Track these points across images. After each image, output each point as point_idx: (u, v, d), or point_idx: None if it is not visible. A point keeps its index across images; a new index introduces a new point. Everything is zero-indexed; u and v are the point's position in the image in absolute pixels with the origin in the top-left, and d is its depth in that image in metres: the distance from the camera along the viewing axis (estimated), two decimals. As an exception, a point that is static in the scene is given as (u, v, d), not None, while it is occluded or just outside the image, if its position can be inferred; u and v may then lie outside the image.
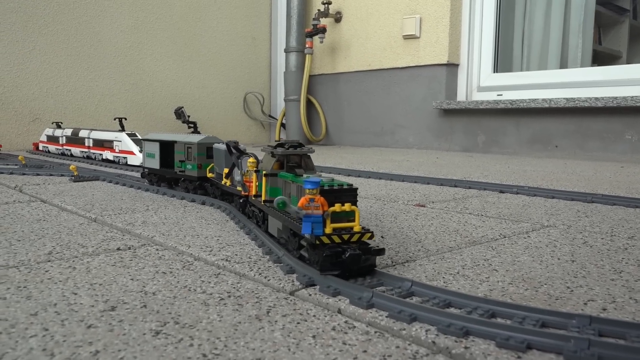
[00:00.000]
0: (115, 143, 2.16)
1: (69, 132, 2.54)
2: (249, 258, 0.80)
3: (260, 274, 0.72)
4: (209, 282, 0.69)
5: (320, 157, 2.82)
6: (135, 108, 3.57)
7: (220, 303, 0.61)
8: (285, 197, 0.66)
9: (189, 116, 3.51)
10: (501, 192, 1.56)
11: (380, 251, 0.68)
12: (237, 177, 1.07)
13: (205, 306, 0.60)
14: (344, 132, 3.87)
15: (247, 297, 0.63)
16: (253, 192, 0.92)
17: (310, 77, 3.94)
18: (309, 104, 3.96)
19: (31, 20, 3.18)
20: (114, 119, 2.43)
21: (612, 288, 0.67)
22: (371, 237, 0.68)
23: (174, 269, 0.75)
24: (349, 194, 0.70)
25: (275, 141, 0.81)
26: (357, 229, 0.68)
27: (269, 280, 0.70)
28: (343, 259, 0.65)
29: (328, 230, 0.66)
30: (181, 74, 3.76)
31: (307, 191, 0.65)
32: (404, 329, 0.54)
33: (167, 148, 1.44)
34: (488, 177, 1.86)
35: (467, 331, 0.52)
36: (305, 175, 0.74)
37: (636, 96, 2.52)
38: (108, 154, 2.22)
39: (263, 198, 0.85)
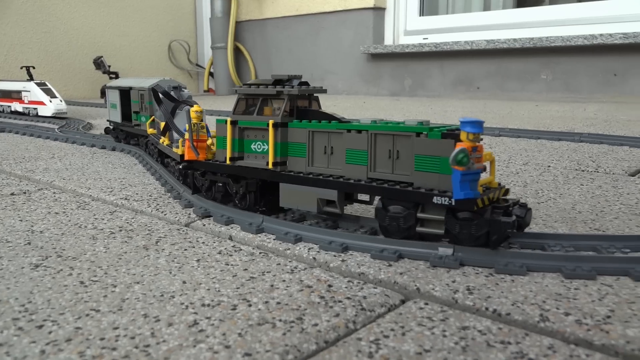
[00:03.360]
0: (23, 93, 2.04)
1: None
2: (150, 196, 0.79)
3: (157, 209, 0.72)
4: (102, 219, 0.68)
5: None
6: (50, 58, 3.36)
7: (109, 237, 0.61)
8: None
9: (109, 66, 3.35)
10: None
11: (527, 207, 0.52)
12: (176, 135, 0.85)
13: (92, 240, 0.60)
14: (274, 79, 3.82)
15: (139, 230, 0.63)
16: (209, 156, 0.70)
17: (237, 23, 3.83)
18: (237, 51, 3.86)
19: None
20: (21, 68, 2.28)
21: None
22: (507, 193, 0.54)
23: (67, 210, 0.73)
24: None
25: (247, 83, 0.65)
26: (494, 184, 0.52)
27: (165, 214, 0.69)
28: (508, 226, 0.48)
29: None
30: (99, 21, 3.55)
31: (467, 137, 0.47)
32: (289, 249, 0.56)
33: (127, 96, 1.19)
34: (408, 116, 1.90)
35: (346, 247, 0.54)
36: (412, 121, 0.54)
37: (551, 36, 2.61)
38: (17, 106, 2.10)
39: (272, 159, 0.61)
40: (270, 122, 0.60)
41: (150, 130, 1.00)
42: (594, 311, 0.40)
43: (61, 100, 2.02)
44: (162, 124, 0.89)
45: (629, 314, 0.40)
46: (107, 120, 1.33)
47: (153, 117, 1.02)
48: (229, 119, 0.64)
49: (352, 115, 2.03)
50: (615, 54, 2.48)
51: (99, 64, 3.28)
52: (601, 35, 2.44)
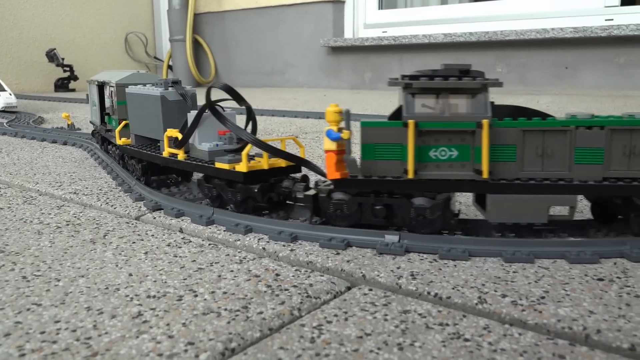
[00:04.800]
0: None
1: None
2: (100, 190, 0.77)
3: (107, 203, 0.70)
4: (49, 214, 0.66)
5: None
6: None
7: (55, 231, 0.59)
8: None
9: (63, 59, 3.25)
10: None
11: None
12: (204, 145, 0.64)
13: (38, 235, 0.58)
14: (234, 73, 3.78)
15: (87, 224, 0.62)
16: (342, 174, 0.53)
17: (196, 15, 3.77)
18: (196, 44, 3.81)
19: None
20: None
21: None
22: None
23: (13, 205, 0.71)
24: None
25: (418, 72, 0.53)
26: None
27: (115, 208, 0.68)
28: None
29: None
30: (51, 12, 3.44)
31: None
32: (239, 240, 0.56)
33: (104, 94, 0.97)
34: (367, 110, 1.92)
35: (296, 237, 0.55)
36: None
37: (505, 30, 2.68)
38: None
39: (486, 167, 0.50)
40: (485, 121, 0.49)
41: (122, 141, 0.78)
42: (529, 292, 0.42)
43: (11, 94, 1.96)
44: (175, 133, 0.66)
45: (562, 295, 0.42)
46: (90, 122, 1.11)
47: (125, 121, 0.80)
48: (411, 122, 0.50)
49: (312, 108, 2.03)
50: (566, 47, 2.55)
51: (51, 56, 3.18)
52: (553, 29, 2.51)
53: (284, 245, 0.53)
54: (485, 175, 0.50)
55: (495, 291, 0.42)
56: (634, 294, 0.42)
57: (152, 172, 0.75)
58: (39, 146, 1.19)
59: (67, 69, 3.27)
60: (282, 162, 0.61)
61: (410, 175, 0.51)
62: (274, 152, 0.59)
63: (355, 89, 3.31)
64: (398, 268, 0.47)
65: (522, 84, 2.73)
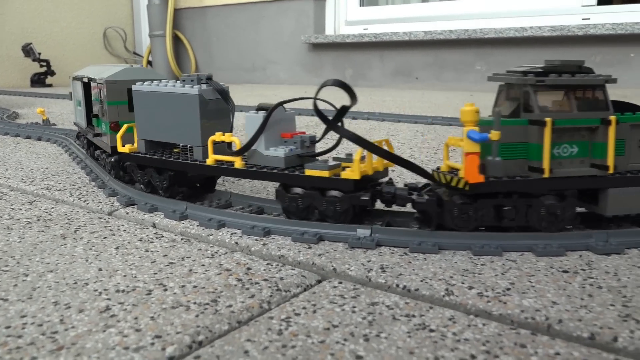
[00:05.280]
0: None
1: None
2: (73, 185, 0.77)
3: (80, 198, 0.70)
4: (20, 210, 0.65)
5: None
6: (-25, 45, 3.18)
7: (25, 227, 0.59)
8: None
9: (39, 53, 3.20)
10: (354, 118, 1.63)
11: None
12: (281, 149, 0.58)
13: (7, 230, 0.57)
14: (214, 69, 3.76)
15: (58, 220, 0.61)
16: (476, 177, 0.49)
17: (176, 10, 3.74)
18: (177, 40, 3.78)
19: None
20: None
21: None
22: None
23: (-17, 200, 0.70)
24: None
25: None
26: None
27: (87, 203, 0.68)
28: None
29: None
30: (27, 6, 3.38)
31: None
32: (212, 235, 0.56)
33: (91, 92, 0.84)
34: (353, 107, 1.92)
35: (269, 231, 0.55)
36: None
37: (484, 28, 2.70)
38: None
39: (612, 167, 0.51)
40: (613, 117, 0.50)
41: (127, 147, 0.67)
42: (495, 284, 0.43)
43: (-15, 89, 1.92)
44: (232, 137, 0.59)
45: (527, 286, 0.43)
46: (74, 124, 0.99)
47: (127, 124, 0.69)
48: (549, 120, 0.49)
49: (296, 104, 2.03)
50: (544, 46, 2.59)
51: (27, 51, 3.13)
52: (531, 27, 2.54)
53: (256, 240, 0.53)
54: (611, 170, 0.51)
55: (463, 283, 0.43)
56: (596, 285, 0.43)
57: (179, 183, 0.65)
58: (12, 142, 1.17)
59: (44, 64, 3.22)
60: (380, 166, 0.56)
61: (547, 174, 0.50)
62: (400, 162, 0.52)
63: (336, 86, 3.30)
64: (369, 261, 0.48)
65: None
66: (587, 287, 0.42)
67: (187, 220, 0.60)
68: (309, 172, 0.54)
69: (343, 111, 0.58)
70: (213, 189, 0.70)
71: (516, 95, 0.53)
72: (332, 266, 0.47)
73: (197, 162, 0.61)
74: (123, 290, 0.43)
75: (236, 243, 0.53)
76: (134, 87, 0.67)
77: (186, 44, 3.81)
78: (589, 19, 2.55)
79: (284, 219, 0.56)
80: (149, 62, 3.83)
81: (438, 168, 0.54)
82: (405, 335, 0.36)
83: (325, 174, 0.54)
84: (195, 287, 0.43)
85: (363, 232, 0.52)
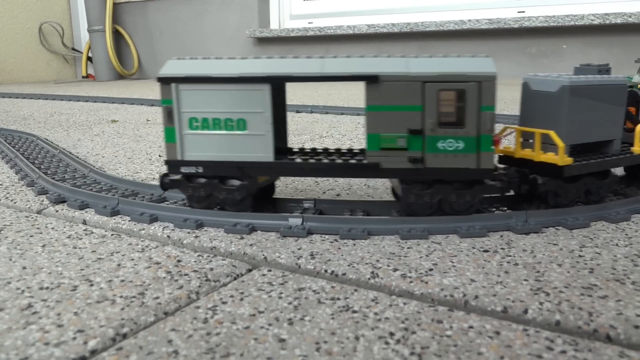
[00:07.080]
0: None
1: None
2: (0, 184, 0.74)
3: (7, 197, 0.67)
4: (-59, 211, 0.63)
5: (130, 90, 2.67)
6: None
7: (-54, 228, 0.56)
8: None
9: (-30, 50, 3.04)
10: (297, 112, 1.64)
11: None
12: None
13: None
14: (158, 64, 3.68)
15: (-18, 220, 0.59)
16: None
17: (116, 4, 3.63)
18: (117, 34, 3.67)
19: None
20: None
21: (353, 180, 0.75)
22: None
23: None
24: None
25: None
26: None
27: (15, 202, 0.66)
28: None
29: None
30: (-45, 1, 3.21)
31: None
32: (143, 229, 0.55)
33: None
34: (293, 100, 1.92)
35: (201, 223, 0.55)
36: None
37: (426, 22, 2.76)
38: None
39: None
40: None
41: (522, 153, 0.57)
42: (419, 266, 0.45)
43: None
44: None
45: (449, 266, 0.44)
46: (166, 162, 0.55)
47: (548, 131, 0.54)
48: None
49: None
50: (482, 38, 2.67)
51: (-44, 47, 2.97)
52: (469, 20, 2.61)
53: (188, 233, 0.53)
54: None
55: (388, 266, 0.45)
56: (513, 263, 0.45)
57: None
58: (-62, 142, 1.12)
59: (-25, 60, 3.07)
60: None
61: None
62: None
63: (282, 80, 3.30)
64: (299, 249, 0.49)
65: (443, 74, 2.82)
66: (505, 264, 0.45)
67: (119, 215, 0.59)
68: None
69: None
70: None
71: None
72: (263, 255, 0.48)
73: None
74: (47, 288, 0.42)
75: (168, 237, 0.53)
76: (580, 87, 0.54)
77: (127, 39, 3.72)
78: (524, 11, 2.64)
79: (213, 210, 0.56)
80: (89, 59, 3.71)
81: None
82: (328, 317, 0.37)
83: None
84: (122, 281, 0.43)
85: (295, 220, 0.53)
